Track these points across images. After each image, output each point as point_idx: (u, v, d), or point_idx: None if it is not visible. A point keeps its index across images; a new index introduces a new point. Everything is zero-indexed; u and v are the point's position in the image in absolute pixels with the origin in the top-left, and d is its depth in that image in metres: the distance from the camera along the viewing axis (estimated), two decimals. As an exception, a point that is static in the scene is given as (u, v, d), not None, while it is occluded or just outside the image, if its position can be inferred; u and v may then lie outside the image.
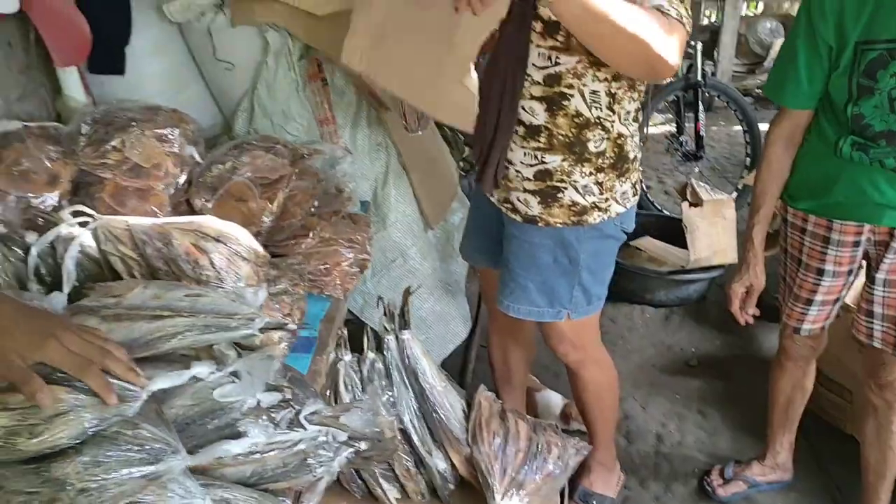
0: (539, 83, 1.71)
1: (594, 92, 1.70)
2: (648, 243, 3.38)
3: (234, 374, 1.16)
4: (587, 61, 1.66)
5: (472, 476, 1.84)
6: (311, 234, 1.73)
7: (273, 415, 1.20)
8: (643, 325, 3.17)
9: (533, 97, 1.72)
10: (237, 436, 1.11)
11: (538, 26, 1.65)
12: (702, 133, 3.81)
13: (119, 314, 1.19)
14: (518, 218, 1.87)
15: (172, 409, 1.15)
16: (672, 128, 3.96)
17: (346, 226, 1.84)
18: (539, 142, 1.76)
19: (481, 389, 2.01)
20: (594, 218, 1.83)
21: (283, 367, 1.30)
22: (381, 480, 1.82)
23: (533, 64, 1.69)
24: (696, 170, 3.87)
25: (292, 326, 1.33)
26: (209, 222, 1.47)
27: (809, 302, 1.95)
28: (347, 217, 1.86)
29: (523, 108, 1.74)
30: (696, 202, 3.10)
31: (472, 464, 1.82)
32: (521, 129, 1.76)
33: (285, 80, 2.08)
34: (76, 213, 1.49)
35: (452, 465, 1.84)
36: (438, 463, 1.82)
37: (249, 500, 1.15)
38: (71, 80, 1.87)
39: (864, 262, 1.92)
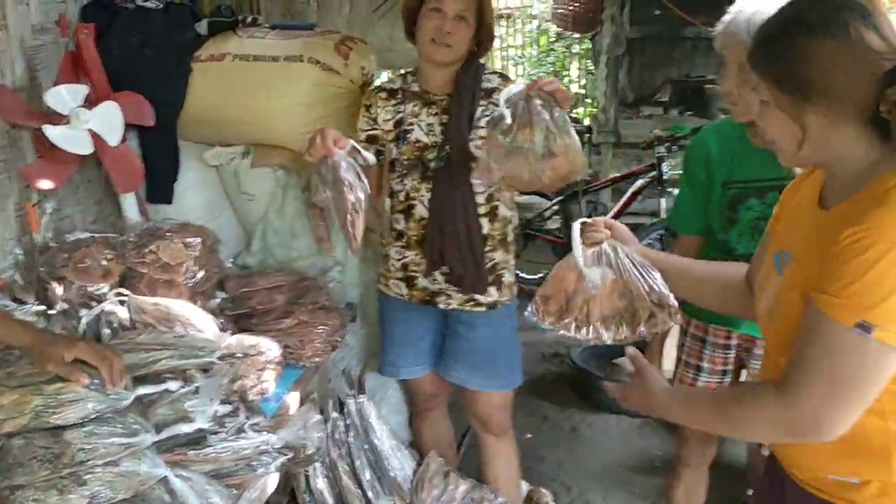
0: (482, 204, 2.27)
1: (509, 199, 2.32)
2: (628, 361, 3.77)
3: (198, 389, 1.68)
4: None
5: (413, 521, 2.24)
6: (290, 317, 2.26)
7: (226, 421, 1.70)
8: (619, 431, 3.50)
9: (480, 215, 2.27)
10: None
11: (476, 164, 2.22)
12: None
13: (128, 348, 1.74)
14: (483, 308, 2.34)
15: (156, 415, 1.66)
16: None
17: (323, 315, 2.36)
18: (488, 245, 2.30)
19: (432, 454, 2.44)
20: (515, 290, 2.39)
21: (241, 395, 1.81)
22: (338, 519, 2.24)
23: (475, 191, 2.26)
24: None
25: (239, 355, 1.84)
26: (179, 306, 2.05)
27: None
28: (325, 308, 2.39)
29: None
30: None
31: (412, 509, 2.23)
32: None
33: (291, 207, 2.68)
34: (118, 295, 2.08)
35: (397, 511, 2.26)
36: (384, 507, 2.24)
37: (201, 482, 1.62)
38: (128, 204, 2.51)
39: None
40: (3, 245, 2.32)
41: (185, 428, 1.59)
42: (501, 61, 9.27)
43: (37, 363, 1.55)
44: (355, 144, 2.07)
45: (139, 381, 1.66)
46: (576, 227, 1.57)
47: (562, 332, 1.58)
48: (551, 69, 9.04)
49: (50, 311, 2.06)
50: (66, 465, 1.45)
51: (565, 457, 3.31)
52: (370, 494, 2.21)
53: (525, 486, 2.91)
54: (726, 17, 1.84)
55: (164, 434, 1.57)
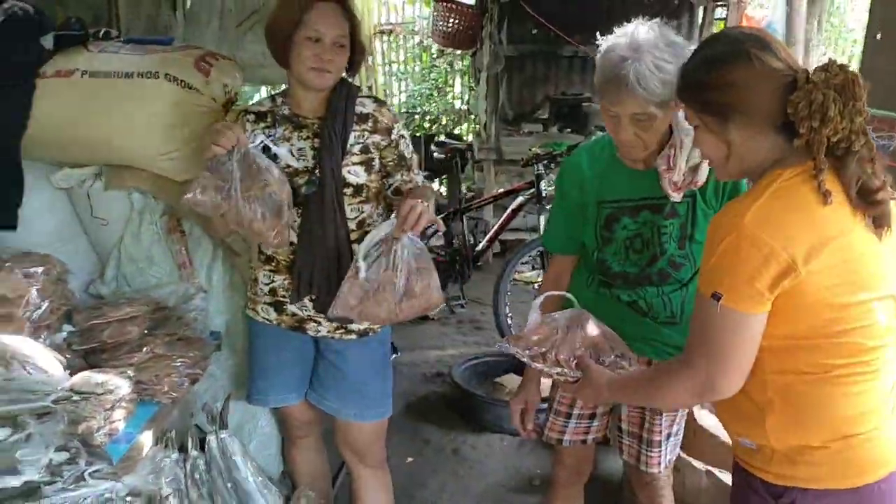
0: (354, 230, 2.20)
1: None
2: (510, 378, 3.79)
3: (29, 436, 1.53)
4: (376, 206, 2.24)
5: (281, 560, 2.14)
6: (143, 350, 2.12)
7: (63, 470, 1.56)
8: (500, 451, 3.49)
9: (352, 241, 2.20)
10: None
11: (349, 190, 2.17)
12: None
13: (-52, 394, 1.57)
14: (353, 336, 2.27)
15: (-18, 467, 1.51)
16: (539, 278, 4.49)
17: (182, 346, 2.23)
18: None
19: (302, 488, 2.35)
20: None
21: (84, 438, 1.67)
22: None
23: (347, 217, 2.19)
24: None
25: (76, 398, 1.69)
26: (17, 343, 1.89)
27: (568, 416, 2.25)
28: (184, 339, 2.26)
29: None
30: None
31: (280, 548, 2.13)
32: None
33: (148, 232, 2.53)
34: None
35: (264, 551, 2.15)
36: (250, 548, 2.12)
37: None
38: (-37, 232, 2.31)
39: None
40: None
41: (13, 480, 1.45)
42: (384, 77, 9.24)
43: None
44: (266, 140, 2.07)
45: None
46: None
47: (530, 361, 1.79)
48: (434, 85, 9.08)
49: None
50: None
51: (448, 480, 3.27)
52: (234, 536, 2.10)
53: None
54: (606, 75, 1.82)
55: (-14, 490, 1.43)
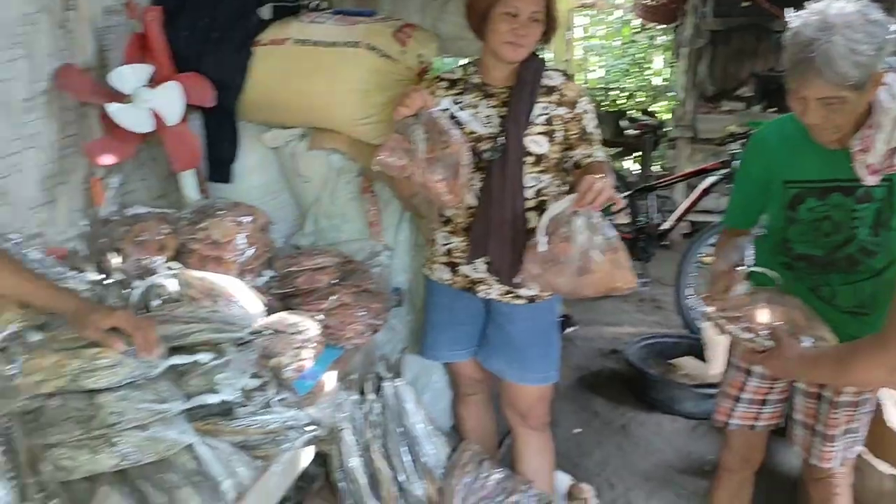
0: (530, 198, 2.26)
1: (555, 196, 2.27)
2: (686, 361, 3.70)
3: (228, 362, 1.73)
4: (554, 177, 2.27)
5: (442, 505, 2.26)
6: (332, 298, 2.30)
7: (254, 395, 1.75)
8: (671, 432, 3.43)
9: (527, 209, 2.27)
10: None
11: (530, 159, 2.23)
12: (754, 267, 4.14)
13: (166, 319, 1.80)
14: (522, 301, 2.34)
15: (189, 385, 1.72)
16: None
17: (366, 297, 2.40)
18: None
19: (468, 441, 2.46)
20: None
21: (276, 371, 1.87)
22: (367, 501, 2.27)
23: (525, 185, 2.25)
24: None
25: (269, 333, 1.88)
26: (224, 282, 2.10)
27: (737, 399, 2.20)
28: (368, 291, 2.43)
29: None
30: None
31: (442, 494, 2.25)
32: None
33: (344, 191, 2.73)
34: (169, 268, 2.16)
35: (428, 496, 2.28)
36: (416, 490, 2.26)
37: (227, 451, 1.67)
38: (186, 182, 2.59)
39: None
40: (70, 216, 2.44)
41: (211, 399, 1.65)
42: (584, 52, 9.15)
43: (77, 329, 1.63)
44: (450, 106, 2.16)
45: (174, 351, 1.72)
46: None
47: (722, 321, 1.83)
48: (633, 61, 8.88)
49: (106, 281, 2.16)
50: (98, 426, 1.52)
51: (612, 454, 3.27)
52: (402, 477, 2.24)
53: (568, 481, 2.90)
54: (794, 58, 1.73)
55: (192, 403, 1.64)
